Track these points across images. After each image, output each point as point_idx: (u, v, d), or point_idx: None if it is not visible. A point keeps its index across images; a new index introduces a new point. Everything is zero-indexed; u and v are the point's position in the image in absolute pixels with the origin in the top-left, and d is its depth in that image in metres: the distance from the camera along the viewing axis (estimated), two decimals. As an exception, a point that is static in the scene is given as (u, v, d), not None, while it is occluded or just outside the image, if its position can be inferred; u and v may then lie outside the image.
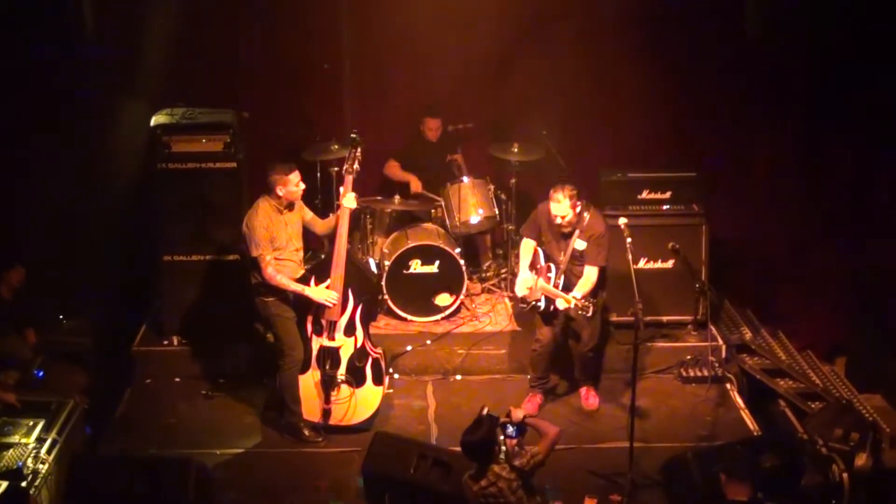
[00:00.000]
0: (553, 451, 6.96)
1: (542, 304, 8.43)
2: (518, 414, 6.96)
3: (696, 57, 10.24)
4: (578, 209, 8.34)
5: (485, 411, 6.89)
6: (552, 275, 8.44)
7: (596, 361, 8.91)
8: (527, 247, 8.66)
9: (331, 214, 8.72)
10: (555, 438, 6.96)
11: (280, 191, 8.19)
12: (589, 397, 8.92)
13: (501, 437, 6.88)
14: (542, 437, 6.98)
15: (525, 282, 8.51)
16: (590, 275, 8.36)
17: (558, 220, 8.38)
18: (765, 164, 10.09)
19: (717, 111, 10.27)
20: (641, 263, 9.46)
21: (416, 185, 10.37)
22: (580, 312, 8.15)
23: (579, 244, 8.43)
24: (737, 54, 10.00)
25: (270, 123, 10.33)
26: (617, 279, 8.80)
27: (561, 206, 8.34)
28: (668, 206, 9.71)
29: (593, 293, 8.35)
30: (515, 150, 10.07)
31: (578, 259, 8.45)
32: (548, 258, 8.54)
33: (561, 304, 8.22)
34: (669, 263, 9.63)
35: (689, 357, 9.48)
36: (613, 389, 9.08)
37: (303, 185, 8.30)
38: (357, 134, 8.44)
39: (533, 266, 8.59)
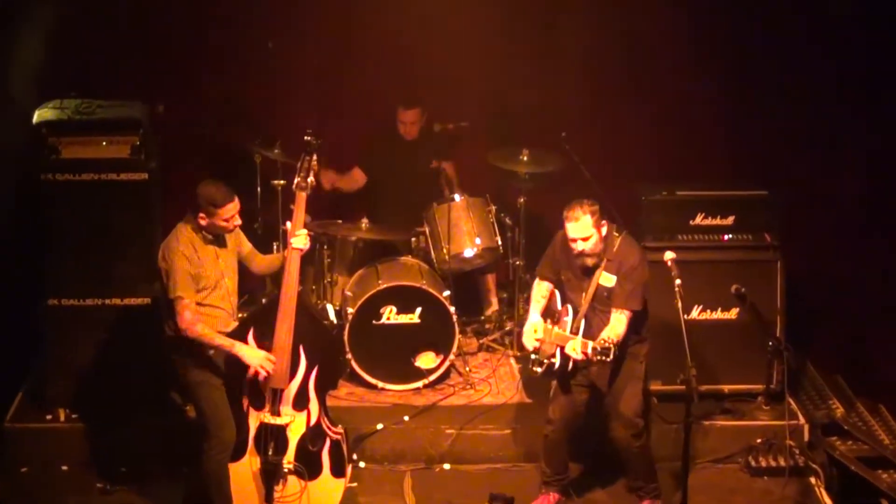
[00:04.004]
0: None
1: (556, 362, 7.60)
2: None
3: (762, 35, 9.48)
4: (604, 231, 7.53)
5: None
6: (568, 319, 7.63)
7: (646, 454, 7.95)
8: (540, 290, 7.85)
9: (275, 249, 8.49)
10: None
11: (202, 219, 7.36)
12: None
13: None
14: None
15: (534, 330, 7.67)
16: (617, 323, 7.46)
17: (580, 247, 7.51)
18: (857, 180, 9.17)
19: (792, 108, 9.47)
20: (695, 313, 8.70)
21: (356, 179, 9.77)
22: (598, 358, 7.26)
23: (606, 279, 7.57)
24: (818, 32, 9.17)
25: (194, 120, 9.59)
26: (662, 334, 7.99)
27: (580, 224, 7.47)
28: (730, 236, 8.87)
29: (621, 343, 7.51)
30: (525, 158, 9.21)
31: (605, 301, 7.58)
32: (567, 302, 7.77)
33: (572, 351, 7.41)
34: (733, 313, 8.80)
35: (759, 440, 8.61)
36: (659, 483, 8.24)
37: (238, 221, 7.53)
38: (313, 136, 7.62)
39: (548, 314, 7.77)
